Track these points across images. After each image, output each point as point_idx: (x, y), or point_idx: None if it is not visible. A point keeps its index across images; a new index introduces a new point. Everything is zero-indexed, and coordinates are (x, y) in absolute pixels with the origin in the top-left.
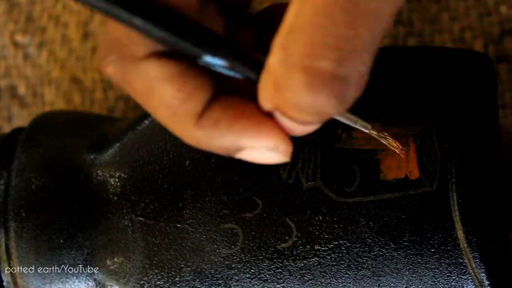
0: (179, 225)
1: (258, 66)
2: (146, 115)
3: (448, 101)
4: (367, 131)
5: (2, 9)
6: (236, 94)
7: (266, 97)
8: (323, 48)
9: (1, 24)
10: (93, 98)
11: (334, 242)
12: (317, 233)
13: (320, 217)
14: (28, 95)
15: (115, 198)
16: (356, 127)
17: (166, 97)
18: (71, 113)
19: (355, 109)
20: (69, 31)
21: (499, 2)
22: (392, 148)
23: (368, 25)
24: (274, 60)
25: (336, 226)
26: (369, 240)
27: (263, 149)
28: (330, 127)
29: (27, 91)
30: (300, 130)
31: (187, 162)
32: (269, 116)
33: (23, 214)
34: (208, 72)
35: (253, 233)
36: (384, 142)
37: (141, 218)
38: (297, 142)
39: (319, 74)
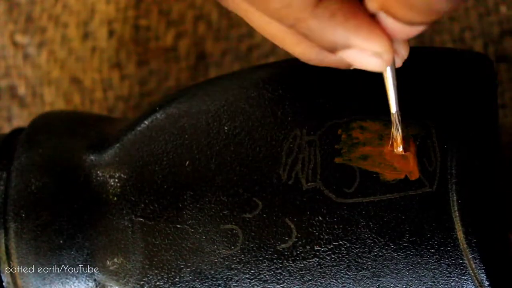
0: (179, 226)
1: None
2: (146, 115)
3: (448, 102)
4: (393, 110)
5: (2, 9)
6: None
7: None
8: None
9: (1, 24)
10: (93, 98)
11: (334, 243)
12: (317, 233)
13: (320, 218)
14: (28, 95)
15: (115, 198)
16: (389, 97)
17: None
18: (71, 114)
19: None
20: (69, 31)
21: (499, 2)
22: (394, 142)
23: None
24: None
25: (336, 226)
26: (369, 241)
27: (369, 52)
28: (330, 127)
29: (27, 91)
30: (404, 33)
31: (187, 162)
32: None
33: (23, 215)
34: None
35: (253, 233)
36: (394, 132)
37: (141, 219)
38: (297, 143)
39: None
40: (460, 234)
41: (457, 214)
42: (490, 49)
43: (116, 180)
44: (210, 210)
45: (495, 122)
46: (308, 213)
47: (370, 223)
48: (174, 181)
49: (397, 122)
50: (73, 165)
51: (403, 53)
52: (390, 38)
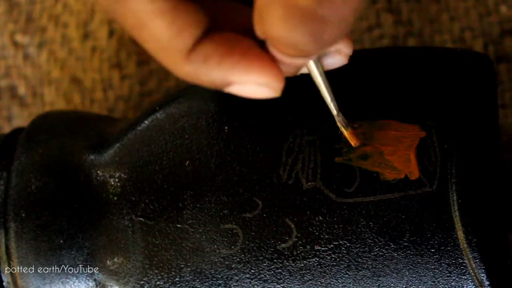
0: (179, 226)
1: None
2: (146, 115)
3: (448, 102)
4: (334, 113)
5: (2, 9)
6: (230, 31)
7: (256, 26)
8: None
9: (1, 24)
10: (93, 98)
11: (334, 243)
12: (317, 233)
13: (320, 218)
14: (28, 95)
15: (115, 198)
16: (328, 104)
17: (157, 32)
18: (71, 114)
19: (356, 108)
20: (69, 31)
21: (499, 2)
22: (350, 141)
23: None
24: None
25: (336, 226)
26: (369, 241)
27: (252, 84)
28: (330, 127)
29: (27, 91)
30: (290, 62)
31: (187, 162)
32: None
33: (23, 215)
34: (201, 7)
35: (253, 233)
36: (344, 132)
37: (141, 219)
38: (297, 143)
39: (297, 10)
40: (460, 234)
41: (457, 214)
42: (490, 49)
43: (116, 180)
44: (210, 209)
45: (495, 122)
46: (308, 212)
47: (370, 223)
48: (174, 181)
49: (342, 123)
50: (73, 165)
51: (346, 51)
52: (273, 65)
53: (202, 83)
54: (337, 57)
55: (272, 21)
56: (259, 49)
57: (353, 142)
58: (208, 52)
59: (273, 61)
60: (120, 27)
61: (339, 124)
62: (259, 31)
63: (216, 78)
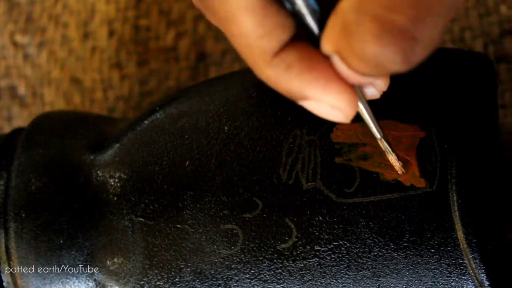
0: (179, 226)
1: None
2: (146, 115)
3: (448, 102)
4: (378, 136)
5: (2, 9)
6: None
7: (330, 39)
8: (402, 3)
9: (1, 24)
10: (93, 98)
11: (334, 243)
12: (317, 233)
13: (320, 218)
14: (28, 95)
15: (115, 198)
16: (371, 128)
17: (246, 29)
18: (71, 114)
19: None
20: (69, 31)
21: (499, 2)
22: (394, 166)
23: None
24: (347, 4)
25: (336, 226)
26: (369, 241)
27: (327, 105)
28: (330, 127)
29: (27, 91)
30: (355, 79)
31: (187, 162)
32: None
33: (23, 215)
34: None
35: (253, 233)
36: (388, 157)
37: (141, 219)
38: (297, 143)
39: (392, 27)
40: (460, 234)
41: (457, 214)
42: (490, 49)
43: (116, 180)
44: (210, 210)
45: (495, 122)
46: (308, 213)
47: (370, 223)
48: (174, 181)
49: (387, 146)
50: (73, 165)
51: (381, 86)
52: (350, 90)
53: (280, 90)
54: (371, 90)
55: (362, 36)
56: (334, 69)
57: (397, 168)
58: (291, 61)
59: (351, 86)
60: (206, 17)
61: (383, 149)
62: (333, 44)
63: (294, 89)
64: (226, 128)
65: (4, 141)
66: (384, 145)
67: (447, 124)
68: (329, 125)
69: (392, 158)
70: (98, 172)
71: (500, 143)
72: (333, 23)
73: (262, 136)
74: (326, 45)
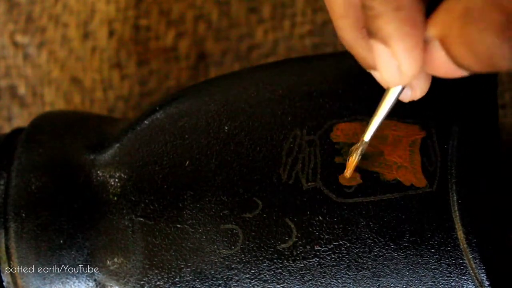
0: (179, 226)
1: None
2: (146, 115)
3: (448, 102)
4: (366, 139)
5: (2, 9)
6: None
7: (440, 23)
8: None
9: (1, 24)
10: (93, 98)
11: (334, 243)
12: (317, 233)
13: (320, 218)
14: (28, 95)
15: (115, 198)
16: (370, 126)
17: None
18: (71, 114)
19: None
20: (69, 31)
21: None
22: (350, 163)
23: None
24: None
25: (336, 226)
26: (369, 241)
27: (395, 63)
28: (330, 127)
29: (27, 91)
30: (446, 70)
31: (187, 162)
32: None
33: (23, 215)
34: None
35: (253, 233)
36: (350, 160)
37: (141, 219)
38: (297, 143)
39: None
40: (460, 234)
41: (457, 214)
42: None
43: (116, 180)
44: (210, 210)
45: (495, 122)
46: (308, 213)
47: (370, 223)
48: (174, 181)
49: (360, 151)
50: (73, 165)
51: (418, 93)
52: (421, 69)
53: (369, 24)
54: (408, 92)
55: (486, 25)
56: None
57: (348, 171)
58: (403, 3)
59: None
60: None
61: (358, 150)
62: (441, 29)
63: (386, 30)
64: (226, 128)
65: (4, 141)
66: (360, 149)
67: (448, 124)
68: (329, 125)
69: (352, 163)
70: (98, 172)
71: (500, 143)
72: (451, 6)
73: (262, 136)
74: (433, 28)
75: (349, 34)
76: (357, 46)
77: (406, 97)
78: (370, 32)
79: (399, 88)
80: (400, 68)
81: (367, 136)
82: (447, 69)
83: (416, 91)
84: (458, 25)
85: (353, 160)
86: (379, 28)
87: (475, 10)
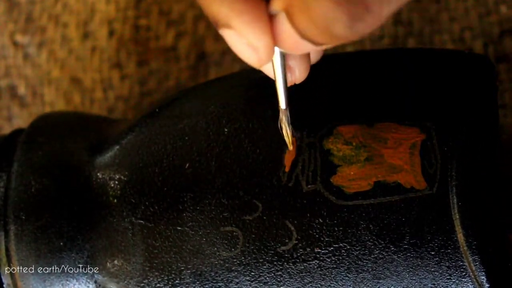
0: (179, 228)
1: None
2: (145, 116)
3: (449, 104)
4: (282, 107)
5: (2, 9)
6: None
7: None
8: None
9: (1, 24)
10: (93, 98)
11: (334, 245)
12: (317, 236)
13: (320, 220)
14: (28, 95)
15: (115, 200)
16: (278, 94)
17: None
18: (71, 115)
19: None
20: (69, 31)
21: (499, 2)
22: (285, 138)
23: None
24: None
25: (336, 229)
26: (369, 243)
27: (245, 41)
28: (330, 129)
29: (27, 91)
30: (295, 45)
31: (187, 164)
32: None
33: (23, 217)
34: None
35: (253, 235)
36: (283, 129)
37: (141, 221)
38: (297, 145)
39: None
40: (460, 237)
41: (457, 217)
42: (490, 49)
43: (116, 182)
44: (210, 212)
45: (495, 124)
46: (308, 215)
47: (371, 225)
48: (174, 183)
49: (287, 119)
50: (73, 167)
51: (297, 74)
52: (271, 38)
53: (206, 9)
54: (289, 76)
55: None
56: (267, 14)
57: (288, 142)
58: None
59: (272, 32)
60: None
61: (283, 118)
62: (281, 2)
63: (222, 14)
64: (226, 130)
65: (4, 143)
66: (286, 116)
67: (447, 126)
68: (329, 128)
69: (287, 131)
70: (98, 174)
71: (500, 145)
72: None
73: (262, 138)
74: (277, 2)
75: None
76: None
77: (289, 81)
78: (214, 23)
79: (278, 58)
80: (252, 46)
81: (282, 103)
82: (294, 42)
83: (295, 73)
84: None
85: (286, 132)
86: (216, 13)
87: None
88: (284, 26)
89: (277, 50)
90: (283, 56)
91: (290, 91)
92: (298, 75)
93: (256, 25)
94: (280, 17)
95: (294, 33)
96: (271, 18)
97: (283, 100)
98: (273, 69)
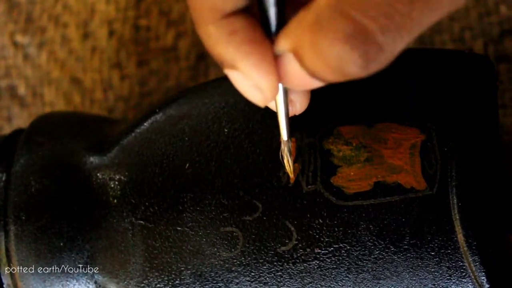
0: (179, 228)
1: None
2: (146, 117)
3: (449, 104)
4: (284, 138)
5: (2, 9)
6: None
7: (291, 35)
8: (376, 10)
9: (1, 24)
10: (93, 99)
11: (334, 245)
12: (317, 236)
13: (320, 220)
14: (28, 95)
15: (115, 201)
16: (280, 127)
17: None
18: (71, 115)
19: (356, 111)
20: (69, 31)
21: (499, 2)
22: (287, 169)
23: (424, 10)
24: (323, 1)
25: (336, 229)
26: (369, 243)
27: (251, 82)
28: (330, 130)
29: (27, 91)
30: (303, 82)
31: (187, 165)
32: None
33: (23, 217)
34: None
35: (253, 236)
36: (285, 159)
37: (141, 221)
38: (297, 146)
39: (363, 32)
40: (460, 237)
41: (458, 217)
42: (490, 49)
43: (116, 182)
44: (210, 212)
45: (495, 125)
46: (308, 215)
47: (371, 226)
48: (174, 184)
49: (289, 150)
50: (73, 167)
51: (298, 107)
52: (276, 78)
53: (212, 51)
54: (291, 108)
55: (334, 34)
56: (272, 54)
57: (290, 172)
58: (237, 28)
59: (278, 76)
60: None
61: (284, 149)
62: (294, 41)
63: (228, 55)
64: (226, 130)
65: (4, 143)
66: (287, 147)
67: (448, 127)
68: (329, 128)
69: (289, 161)
70: (98, 174)
71: (500, 145)
72: (302, 18)
73: (262, 138)
74: (284, 40)
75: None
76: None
77: (290, 113)
78: (219, 62)
79: (281, 93)
80: (257, 86)
81: (284, 135)
82: (302, 80)
83: (296, 106)
84: (309, 35)
85: (287, 162)
86: (221, 54)
87: (324, 20)
88: (291, 65)
89: (280, 86)
90: (286, 92)
91: (291, 123)
92: (299, 107)
93: (261, 66)
94: (287, 57)
95: (303, 72)
96: (276, 58)
97: (285, 132)
98: (276, 104)
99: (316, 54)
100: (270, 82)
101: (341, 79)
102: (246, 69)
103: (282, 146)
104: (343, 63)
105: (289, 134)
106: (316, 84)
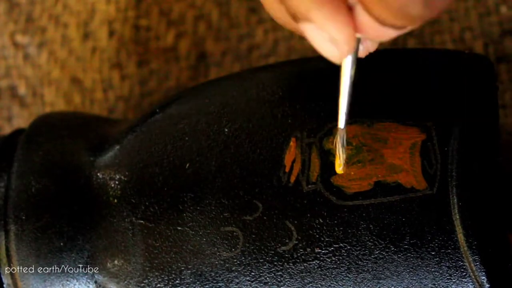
0: (179, 228)
1: None
2: (146, 116)
3: (449, 104)
4: (340, 126)
5: (2, 9)
6: None
7: None
8: None
9: (1, 24)
10: (93, 99)
11: (335, 245)
12: (317, 236)
13: (320, 220)
14: (28, 95)
15: (115, 200)
16: (340, 111)
17: None
18: (71, 115)
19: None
20: (69, 31)
21: (499, 2)
22: (337, 159)
23: None
24: None
25: (336, 229)
26: (370, 243)
27: (326, 35)
28: (330, 129)
29: (27, 91)
30: (376, 33)
31: (188, 164)
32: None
33: (23, 217)
34: None
35: (254, 236)
36: (337, 148)
37: (141, 221)
38: (298, 146)
39: None
40: (460, 237)
41: (458, 217)
42: (490, 49)
43: (117, 182)
44: (211, 212)
45: (495, 124)
46: (308, 215)
47: (371, 226)
48: (174, 183)
49: (342, 140)
50: (74, 167)
51: (369, 45)
52: (354, 33)
53: (287, 5)
54: (361, 47)
55: None
56: (346, 5)
57: (339, 164)
58: None
59: (354, 28)
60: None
61: (337, 138)
62: None
63: (303, 6)
64: (226, 130)
65: (4, 143)
66: (341, 137)
67: (448, 127)
68: (329, 128)
69: (340, 152)
70: (98, 174)
71: (500, 145)
72: None
73: (262, 138)
74: None
75: (282, 19)
76: (296, 27)
77: (361, 52)
78: (293, 17)
79: (349, 62)
80: (333, 39)
81: (341, 123)
82: (376, 30)
83: (365, 47)
84: None
85: (339, 152)
86: (297, 6)
87: None
88: (363, 16)
89: (348, 61)
90: (352, 77)
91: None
92: (371, 46)
93: (337, 17)
94: (357, 9)
95: (374, 21)
96: (350, 9)
97: (343, 118)
98: (340, 83)
99: (378, 3)
100: (346, 34)
101: (408, 23)
102: (321, 20)
103: (336, 134)
104: (405, 5)
105: (346, 122)
106: (390, 33)
